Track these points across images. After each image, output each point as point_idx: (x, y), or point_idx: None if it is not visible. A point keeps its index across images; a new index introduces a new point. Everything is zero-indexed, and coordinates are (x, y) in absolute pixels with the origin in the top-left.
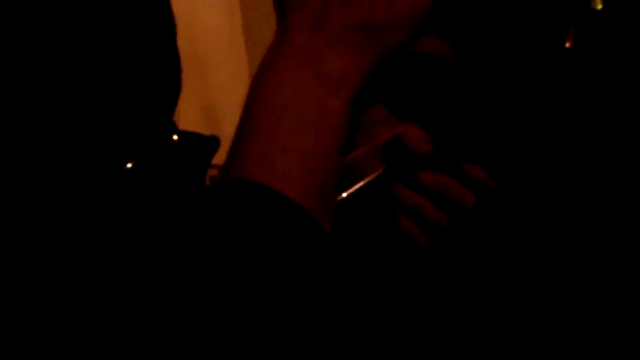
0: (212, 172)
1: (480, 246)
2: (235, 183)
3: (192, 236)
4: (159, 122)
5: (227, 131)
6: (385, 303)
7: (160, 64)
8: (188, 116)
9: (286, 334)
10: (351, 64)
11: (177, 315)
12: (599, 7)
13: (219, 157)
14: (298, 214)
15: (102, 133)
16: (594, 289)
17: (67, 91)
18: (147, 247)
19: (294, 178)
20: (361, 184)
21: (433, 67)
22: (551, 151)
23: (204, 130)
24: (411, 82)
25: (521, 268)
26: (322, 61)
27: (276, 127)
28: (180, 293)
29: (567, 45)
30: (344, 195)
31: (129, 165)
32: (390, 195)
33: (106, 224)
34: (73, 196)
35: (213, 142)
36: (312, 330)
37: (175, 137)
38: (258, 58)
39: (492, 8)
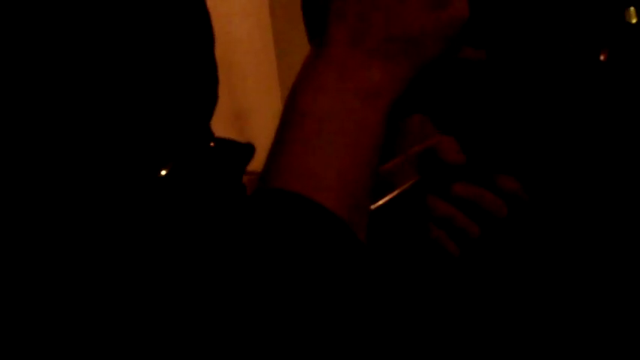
0: (246, 178)
1: (512, 257)
2: (273, 193)
3: (229, 245)
4: (195, 130)
5: (256, 137)
6: (416, 312)
7: (198, 73)
8: (217, 122)
9: (320, 342)
10: (387, 77)
11: (212, 321)
12: (634, 21)
13: (251, 164)
14: (335, 224)
15: (137, 140)
16: (629, 301)
17: (105, 97)
18: (179, 254)
19: (330, 189)
20: (394, 194)
21: (467, 70)
22: (584, 161)
23: (233, 137)
24: (445, 86)
25: (553, 279)
26: (359, 74)
27: (313, 138)
28: (215, 300)
29: (602, 57)
30: (377, 205)
31: (163, 172)
32: (422, 205)
33: (138, 230)
34: (107, 202)
35: (248, 149)
36: (346, 337)
37: (212, 144)
38: (287, 65)
39: (529, 20)
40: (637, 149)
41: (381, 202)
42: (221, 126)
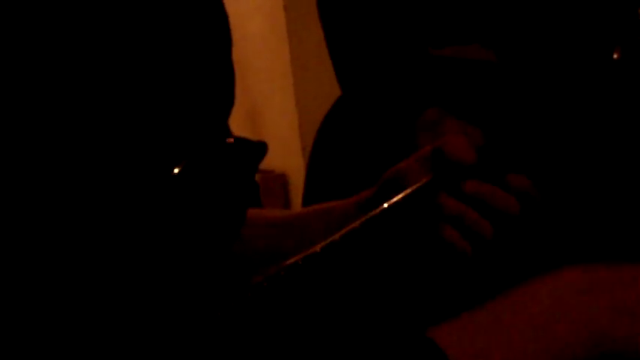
0: (258, 176)
1: (525, 255)
2: (425, 339)
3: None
4: (211, 129)
5: (268, 135)
6: (426, 311)
7: (215, 74)
8: (231, 120)
9: None
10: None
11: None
12: None
13: (263, 162)
14: None
15: (151, 139)
16: None
17: (120, 96)
18: (188, 256)
19: None
20: (406, 192)
21: (478, 71)
22: (596, 159)
23: (245, 134)
24: (455, 86)
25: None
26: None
27: (497, 326)
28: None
29: (615, 56)
30: (390, 203)
31: (176, 170)
32: (434, 204)
33: (148, 228)
34: (119, 199)
35: (260, 147)
36: None
37: (230, 140)
38: (301, 64)
39: (541, 20)
40: None
41: (393, 201)
42: (233, 123)
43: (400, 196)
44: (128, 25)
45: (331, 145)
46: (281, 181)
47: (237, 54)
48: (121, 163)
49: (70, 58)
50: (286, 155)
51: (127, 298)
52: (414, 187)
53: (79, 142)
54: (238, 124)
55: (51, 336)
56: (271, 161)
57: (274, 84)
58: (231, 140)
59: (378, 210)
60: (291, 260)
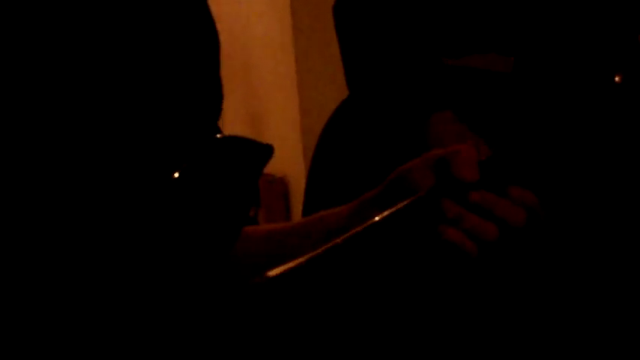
0: (262, 181)
1: (525, 261)
2: None
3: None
4: (204, 129)
5: (272, 139)
6: (423, 313)
7: (203, 78)
8: (234, 124)
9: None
10: None
11: (211, 324)
12: None
13: (268, 167)
14: None
15: (147, 144)
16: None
17: (115, 102)
18: (187, 256)
19: None
20: (408, 201)
21: (490, 82)
22: (598, 180)
23: (248, 136)
24: (466, 96)
25: (564, 293)
26: None
27: None
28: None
29: (617, 80)
30: (391, 211)
31: (176, 175)
32: (438, 210)
33: (148, 232)
34: (120, 205)
35: (266, 149)
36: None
37: (219, 137)
38: (306, 66)
39: (555, 33)
40: None
41: (395, 208)
42: (236, 126)
43: (403, 203)
44: (120, 30)
45: (334, 148)
46: (281, 184)
47: (242, 57)
48: (119, 167)
49: (68, 64)
50: (287, 159)
51: (127, 298)
52: (418, 194)
53: (79, 145)
54: (241, 127)
55: (51, 336)
56: (272, 165)
57: (278, 88)
58: (235, 140)
59: (380, 216)
60: (295, 262)
